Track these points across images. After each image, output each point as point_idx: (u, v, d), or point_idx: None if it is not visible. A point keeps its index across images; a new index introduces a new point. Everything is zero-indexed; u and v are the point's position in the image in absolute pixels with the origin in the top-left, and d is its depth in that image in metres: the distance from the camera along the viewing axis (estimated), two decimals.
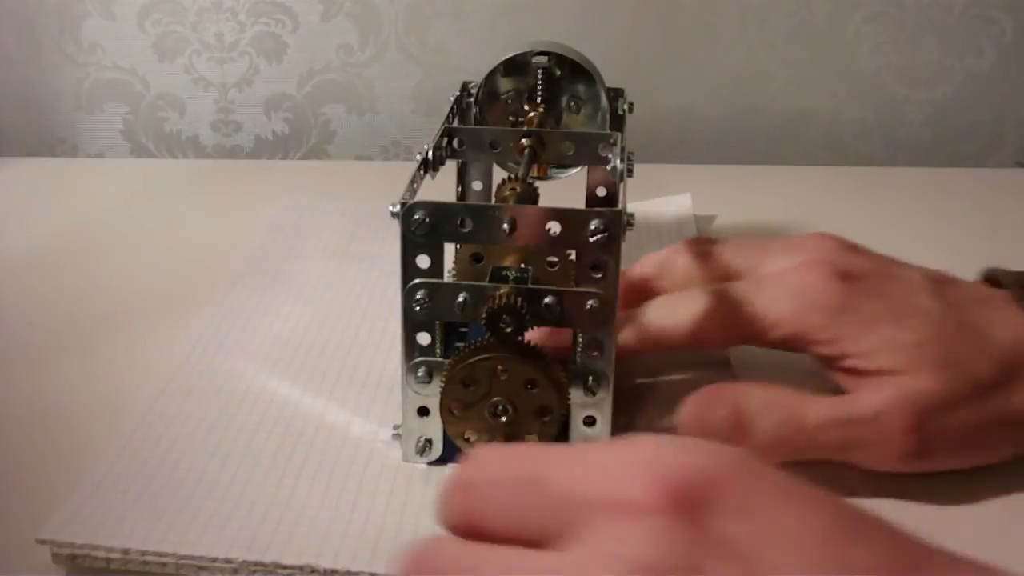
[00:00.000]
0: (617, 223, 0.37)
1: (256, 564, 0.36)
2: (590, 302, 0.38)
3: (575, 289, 0.38)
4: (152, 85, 0.78)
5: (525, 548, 0.25)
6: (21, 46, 0.76)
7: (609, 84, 0.52)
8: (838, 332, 0.41)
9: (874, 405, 0.39)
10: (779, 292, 0.42)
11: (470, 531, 0.26)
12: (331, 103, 0.79)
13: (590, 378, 0.39)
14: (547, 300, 0.38)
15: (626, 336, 0.43)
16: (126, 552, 0.36)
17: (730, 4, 0.75)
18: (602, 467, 0.25)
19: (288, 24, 0.76)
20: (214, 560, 0.36)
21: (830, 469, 0.40)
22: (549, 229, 0.38)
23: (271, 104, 0.79)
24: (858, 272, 0.42)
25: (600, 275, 0.38)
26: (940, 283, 0.43)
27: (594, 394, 0.39)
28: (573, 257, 0.40)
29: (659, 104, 0.78)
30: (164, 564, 0.36)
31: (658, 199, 0.64)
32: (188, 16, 0.76)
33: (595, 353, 0.39)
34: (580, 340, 0.39)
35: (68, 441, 0.43)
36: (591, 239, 0.37)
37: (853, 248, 0.44)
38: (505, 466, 0.27)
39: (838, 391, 0.41)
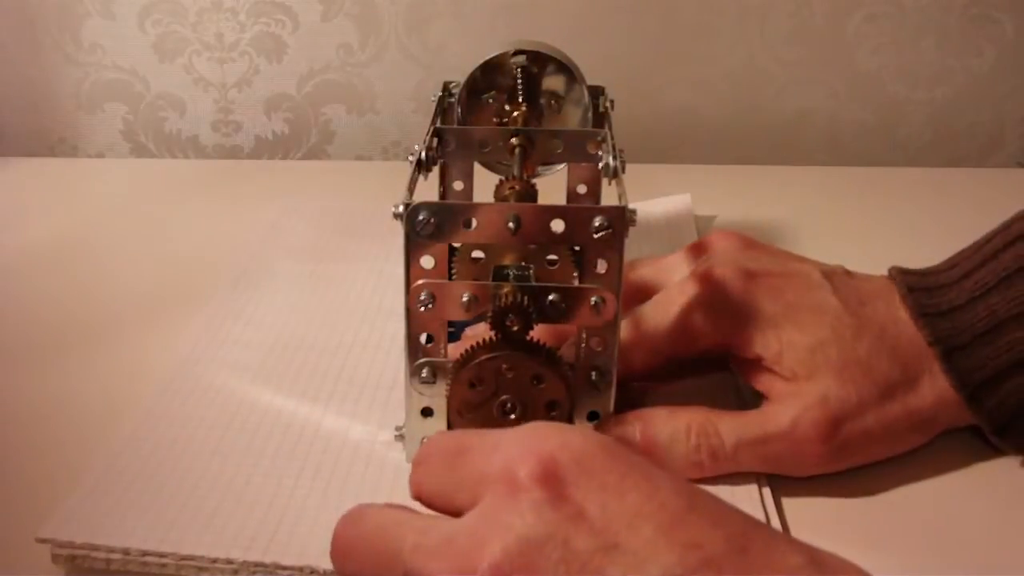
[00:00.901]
0: (621, 219, 0.37)
1: (256, 564, 0.36)
2: (594, 298, 0.38)
3: (579, 286, 0.38)
4: (152, 85, 0.78)
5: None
6: (21, 46, 0.76)
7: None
8: (748, 335, 0.41)
9: (785, 420, 0.40)
10: (693, 302, 0.42)
11: (423, 503, 0.31)
12: (331, 103, 0.79)
13: (593, 373, 0.39)
14: (551, 297, 0.38)
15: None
16: (126, 552, 0.36)
17: (730, 4, 0.75)
18: (501, 447, 0.28)
19: (288, 24, 0.76)
20: (214, 560, 0.36)
21: None
22: (553, 227, 0.38)
23: (271, 104, 0.78)
24: (757, 270, 0.43)
25: (604, 271, 0.38)
26: (837, 278, 0.43)
27: (598, 389, 0.40)
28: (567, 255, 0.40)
29: (659, 104, 0.78)
30: (164, 564, 0.36)
31: (658, 199, 0.64)
32: (188, 16, 0.76)
33: (599, 348, 0.39)
34: (584, 336, 0.39)
35: (68, 441, 0.43)
36: (595, 236, 0.37)
37: (752, 244, 0.45)
38: (442, 445, 0.31)
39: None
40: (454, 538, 0.27)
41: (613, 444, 0.28)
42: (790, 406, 0.40)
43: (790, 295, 0.42)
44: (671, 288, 0.44)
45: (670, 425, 0.40)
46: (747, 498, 0.40)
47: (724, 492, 0.41)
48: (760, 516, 0.40)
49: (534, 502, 0.26)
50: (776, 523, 0.39)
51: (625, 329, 0.42)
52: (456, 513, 0.29)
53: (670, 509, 0.26)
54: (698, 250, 0.46)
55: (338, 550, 0.31)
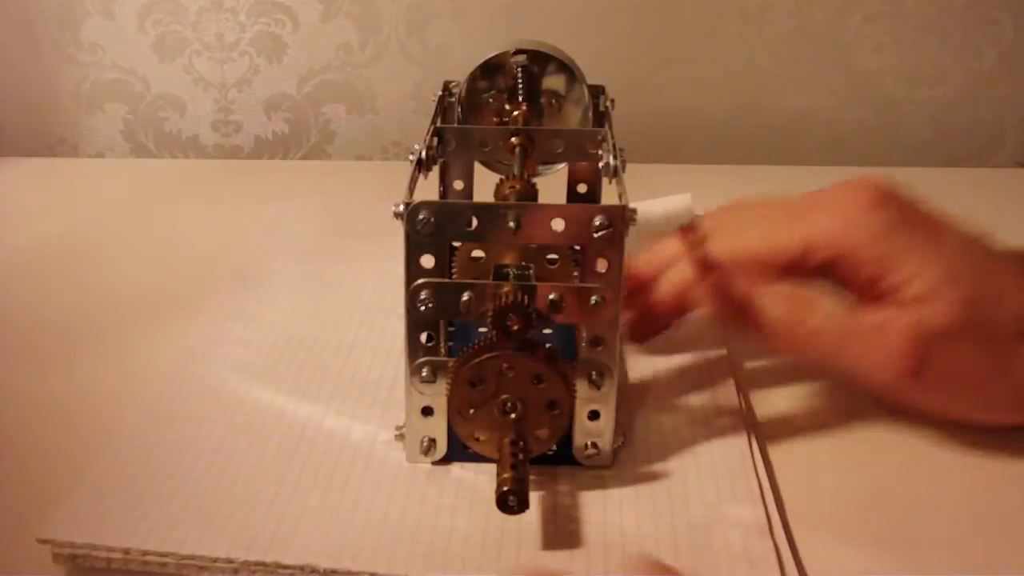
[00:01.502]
0: (621, 218, 0.37)
1: (257, 564, 0.36)
2: (594, 297, 0.38)
3: (579, 285, 0.38)
4: (152, 85, 0.78)
5: None
6: (21, 46, 0.76)
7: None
8: (881, 251, 0.41)
9: (878, 317, 0.40)
10: (824, 214, 0.42)
11: None
12: (331, 103, 0.79)
13: (594, 373, 0.39)
14: (551, 296, 0.38)
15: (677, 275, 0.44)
16: (127, 552, 0.36)
17: (730, 4, 0.75)
18: None
19: (288, 24, 0.76)
20: (215, 560, 0.36)
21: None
22: (553, 226, 0.38)
23: (271, 104, 0.78)
24: (897, 204, 0.42)
25: (604, 270, 0.38)
26: (971, 235, 0.43)
27: (599, 388, 0.40)
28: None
29: (659, 104, 0.78)
30: (165, 564, 0.36)
31: (658, 199, 0.64)
32: (188, 16, 0.76)
33: (599, 348, 0.39)
34: (584, 335, 0.39)
35: (69, 441, 0.43)
36: (595, 235, 0.37)
37: (892, 185, 0.44)
38: None
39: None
40: None
41: None
42: (889, 309, 0.40)
43: (932, 228, 0.42)
44: (804, 202, 0.44)
45: (771, 289, 0.41)
46: (739, 455, 0.41)
47: (717, 450, 0.42)
48: (753, 483, 0.40)
49: None
50: (770, 500, 0.39)
51: (759, 229, 0.43)
52: None
53: None
54: (833, 185, 0.45)
55: None
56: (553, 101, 0.52)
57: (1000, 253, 0.42)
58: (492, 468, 0.38)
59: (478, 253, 0.45)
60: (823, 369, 0.43)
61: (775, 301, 0.41)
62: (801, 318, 0.41)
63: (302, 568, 0.35)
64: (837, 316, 0.41)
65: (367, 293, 0.55)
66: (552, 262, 0.44)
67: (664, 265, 0.46)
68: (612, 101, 0.51)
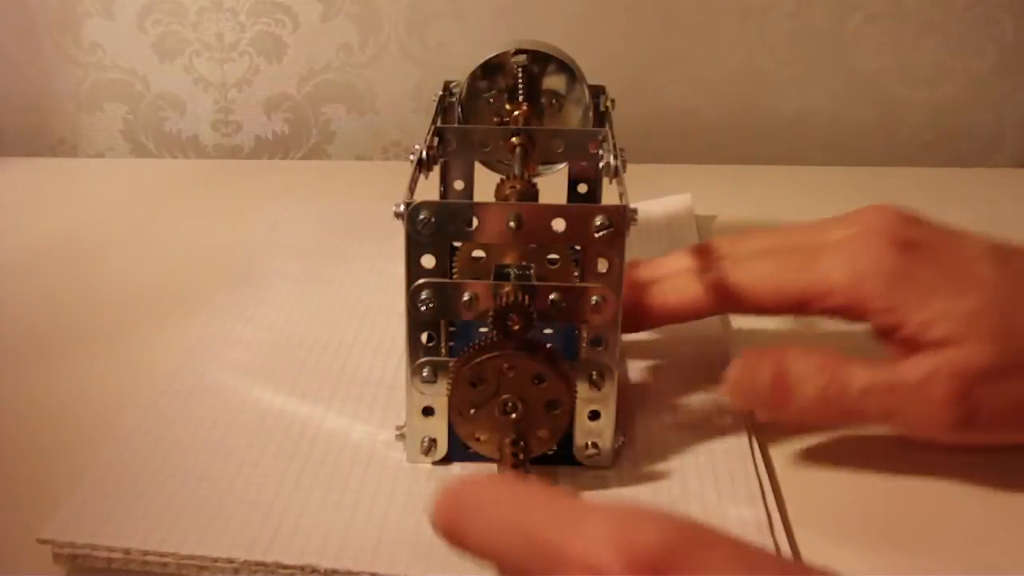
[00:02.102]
0: (622, 218, 0.37)
1: (257, 564, 0.36)
2: (595, 297, 0.38)
3: (580, 285, 0.38)
4: (152, 85, 0.78)
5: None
6: (21, 46, 0.76)
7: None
8: (895, 300, 0.40)
9: (919, 372, 0.39)
10: (836, 259, 0.41)
11: (451, 538, 0.28)
12: (331, 103, 0.79)
13: (594, 373, 0.39)
14: (552, 297, 0.38)
15: (691, 288, 0.43)
16: (127, 552, 0.36)
17: (730, 4, 0.75)
18: (584, 530, 0.26)
19: (288, 24, 0.76)
20: (215, 560, 0.36)
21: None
22: (554, 226, 0.38)
23: (271, 104, 0.78)
24: (917, 240, 0.41)
25: (605, 271, 0.38)
26: (1004, 252, 0.42)
27: (599, 389, 0.40)
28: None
29: (659, 104, 0.78)
30: (165, 564, 0.36)
31: (658, 199, 0.64)
32: (188, 16, 0.76)
33: (600, 348, 0.39)
34: (585, 335, 0.39)
35: (69, 441, 0.43)
36: (596, 235, 0.37)
37: (913, 218, 0.43)
38: (501, 495, 0.28)
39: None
40: None
41: (706, 532, 0.26)
42: (929, 360, 0.39)
43: (948, 265, 0.41)
44: (819, 244, 0.42)
45: (803, 362, 0.40)
46: (739, 455, 0.41)
47: (717, 450, 0.42)
48: (753, 483, 0.40)
49: None
50: (770, 500, 0.39)
51: (769, 265, 0.42)
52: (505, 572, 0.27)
53: None
54: (848, 219, 0.44)
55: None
56: (553, 101, 0.52)
57: (1008, 260, 0.41)
58: (493, 468, 0.38)
59: (479, 253, 0.45)
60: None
61: (809, 374, 0.39)
62: (842, 388, 0.39)
63: (302, 568, 0.35)
64: (878, 378, 0.39)
65: (367, 293, 0.55)
66: (553, 262, 0.44)
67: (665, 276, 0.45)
68: (612, 101, 0.51)
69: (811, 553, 0.37)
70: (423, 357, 0.39)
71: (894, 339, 0.40)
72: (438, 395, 0.40)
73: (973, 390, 0.38)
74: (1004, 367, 0.38)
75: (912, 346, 0.40)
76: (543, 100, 0.52)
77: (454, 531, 0.28)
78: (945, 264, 0.41)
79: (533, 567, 0.26)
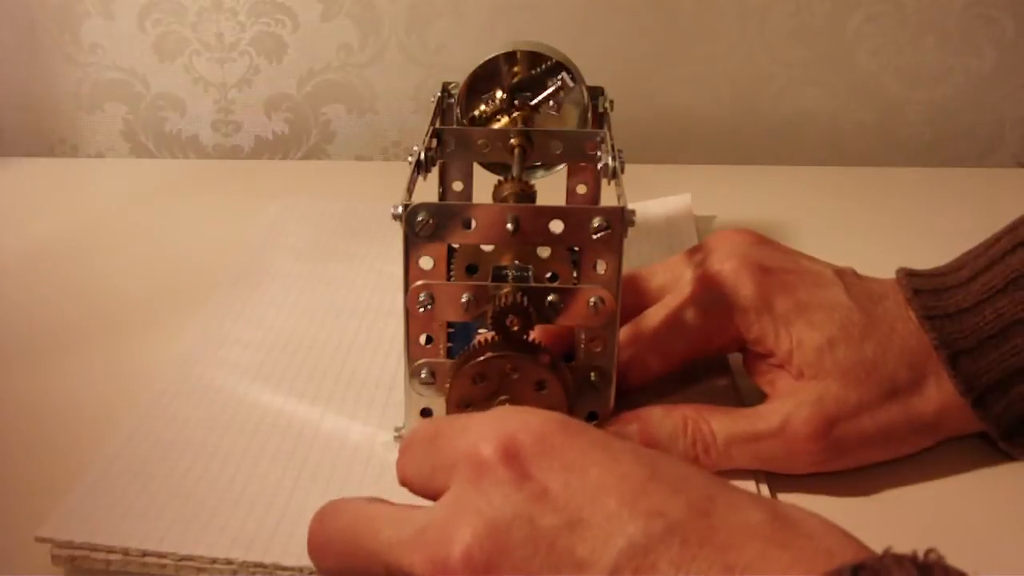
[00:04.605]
0: (619, 220, 0.37)
1: (256, 565, 0.36)
2: (592, 299, 0.38)
3: (578, 286, 0.38)
4: (152, 85, 0.78)
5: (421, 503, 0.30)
6: (21, 46, 0.76)
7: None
8: (761, 331, 0.41)
9: (778, 417, 0.40)
10: (706, 302, 0.42)
11: (409, 489, 0.31)
12: (331, 103, 0.79)
13: (592, 374, 0.39)
14: (550, 298, 0.38)
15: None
16: (126, 552, 0.36)
17: (730, 4, 0.75)
18: (468, 430, 0.29)
19: (288, 24, 0.76)
20: (214, 561, 0.36)
21: None
22: (552, 227, 0.38)
23: (271, 104, 0.78)
24: (770, 266, 0.42)
25: (603, 272, 0.38)
26: (849, 277, 0.43)
27: (597, 389, 0.40)
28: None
29: (659, 104, 0.78)
30: (164, 565, 0.36)
31: (658, 199, 0.64)
32: (188, 16, 0.76)
33: (597, 349, 0.39)
34: (583, 336, 0.39)
35: (68, 441, 0.43)
36: (594, 236, 0.37)
37: (763, 241, 0.45)
38: (421, 431, 0.31)
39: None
40: (426, 528, 0.28)
41: (573, 422, 0.29)
42: (784, 404, 0.40)
43: (802, 292, 0.42)
44: (682, 287, 0.43)
45: (667, 422, 0.40)
46: None
47: None
48: (750, 484, 0.40)
49: (498, 483, 0.27)
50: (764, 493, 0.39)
51: (639, 334, 0.42)
52: (435, 497, 0.29)
53: (631, 480, 0.27)
54: (707, 247, 0.46)
55: (315, 549, 0.31)
56: (553, 102, 0.52)
57: (866, 291, 0.42)
58: None
59: (477, 254, 0.45)
60: None
61: (675, 435, 0.40)
62: (706, 445, 0.40)
63: (301, 569, 0.35)
64: (739, 428, 0.40)
65: (367, 293, 0.55)
66: (551, 263, 0.44)
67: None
68: (611, 102, 0.51)
69: None
70: (421, 358, 0.39)
71: (769, 364, 0.42)
72: (436, 396, 0.40)
73: (832, 427, 0.39)
74: (860, 402, 0.40)
75: (781, 372, 0.41)
76: (543, 101, 0.52)
77: (404, 483, 0.31)
78: (798, 290, 0.42)
79: (443, 480, 0.29)
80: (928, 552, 0.23)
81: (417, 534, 0.28)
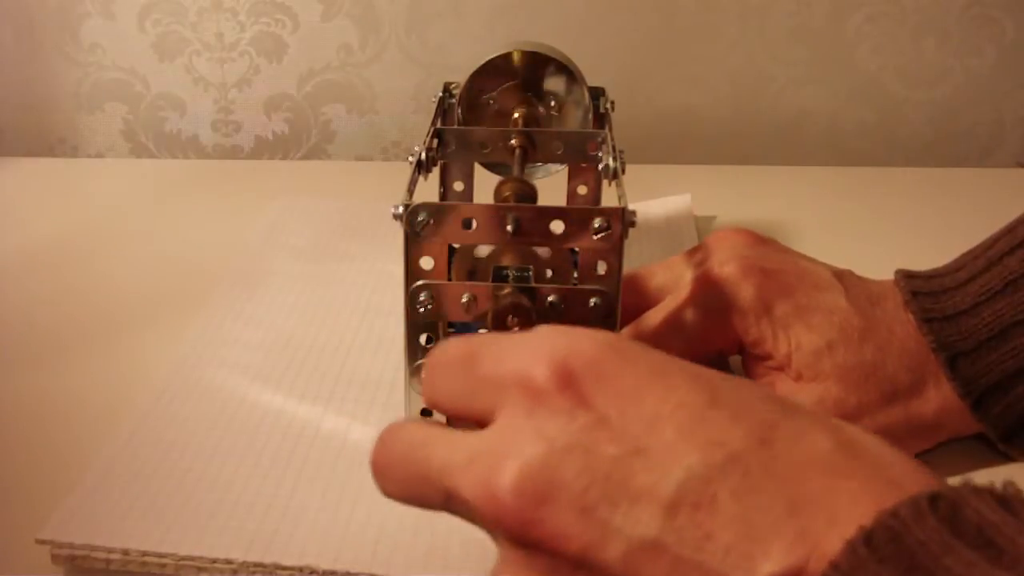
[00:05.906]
0: (620, 220, 0.37)
1: (256, 565, 0.36)
2: (593, 299, 0.38)
3: (578, 287, 0.38)
4: (152, 85, 0.78)
5: (467, 427, 0.29)
6: (21, 46, 0.76)
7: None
8: (760, 334, 0.41)
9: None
10: (706, 303, 0.42)
11: (437, 410, 0.31)
12: (331, 103, 0.79)
13: None
14: (550, 298, 0.38)
15: None
16: (126, 552, 0.36)
17: (730, 4, 0.75)
18: (513, 352, 0.28)
19: (288, 24, 0.76)
20: (214, 561, 0.36)
21: None
22: (552, 228, 0.38)
23: (271, 104, 0.78)
24: (769, 268, 0.42)
25: (603, 272, 0.38)
26: (848, 279, 0.43)
27: None
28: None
29: (659, 104, 0.78)
30: (164, 565, 0.36)
31: (658, 199, 0.64)
32: (188, 16, 0.76)
33: None
34: None
35: (68, 441, 0.43)
36: (594, 237, 0.37)
37: (762, 241, 0.45)
38: (451, 351, 0.30)
39: None
40: (477, 456, 0.27)
41: (625, 344, 0.28)
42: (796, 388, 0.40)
43: (801, 295, 0.42)
44: (682, 289, 0.43)
45: None
46: None
47: None
48: None
49: (554, 412, 0.26)
50: None
51: (639, 335, 0.42)
52: (474, 418, 0.29)
53: (689, 408, 0.26)
54: (707, 248, 0.46)
55: (378, 475, 0.30)
56: (553, 103, 0.52)
57: (864, 293, 0.42)
58: None
59: (477, 254, 0.45)
60: None
61: None
62: None
63: (301, 569, 0.35)
64: None
65: (367, 293, 0.55)
66: (551, 263, 0.44)
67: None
68: (612, 103, 0.51)
69: None
70: (422, 358, 0.39)
71: (764, 370, 0.42)
72: None
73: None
74: (859, 403, 0.40)
75: (777, 375, 0.41)
76: (544, 102, 0.52)
77: (433, 405, 0.30)
78: (797, 293, 0.42)
79: (486, 403, 0.28)
80: (1007, 484, 0.22)
81: (469, 461, 0.27)
